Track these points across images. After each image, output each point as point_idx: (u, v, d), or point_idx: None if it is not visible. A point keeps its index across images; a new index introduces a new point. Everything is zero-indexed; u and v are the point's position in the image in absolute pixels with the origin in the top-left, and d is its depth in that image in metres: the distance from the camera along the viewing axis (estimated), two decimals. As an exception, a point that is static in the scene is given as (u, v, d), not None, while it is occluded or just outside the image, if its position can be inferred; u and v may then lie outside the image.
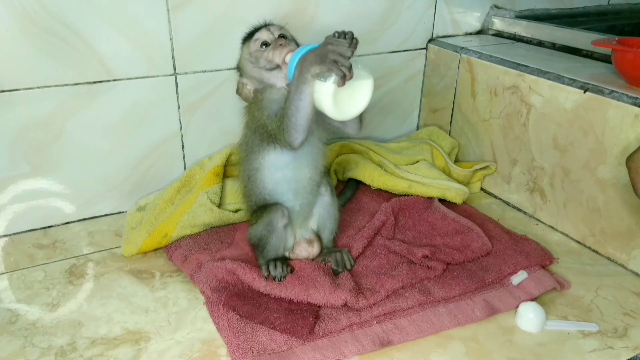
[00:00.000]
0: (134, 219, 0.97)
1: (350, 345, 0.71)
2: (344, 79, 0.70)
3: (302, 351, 0.69)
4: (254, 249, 0.86)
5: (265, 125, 0.80)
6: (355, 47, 0.74)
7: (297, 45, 0.82)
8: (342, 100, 0.73)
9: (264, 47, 0.81)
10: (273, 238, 0.82)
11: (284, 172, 0.83)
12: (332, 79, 0.71)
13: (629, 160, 0.74)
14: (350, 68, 0.71)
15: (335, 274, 0.82)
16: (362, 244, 0.89)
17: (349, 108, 0.75)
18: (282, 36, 0.81)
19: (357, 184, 1.09)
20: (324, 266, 0.83)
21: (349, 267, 0.84)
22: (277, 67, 0.79)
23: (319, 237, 0.88)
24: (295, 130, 0.76)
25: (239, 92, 0.84)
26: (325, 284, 0.78)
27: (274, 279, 0.79)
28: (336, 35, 0.74)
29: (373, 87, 0.75)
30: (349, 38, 0.73)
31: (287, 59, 0.77)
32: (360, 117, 0.81)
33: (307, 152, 0.82)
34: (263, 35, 0.81)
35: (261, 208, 0.84)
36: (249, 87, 0.83)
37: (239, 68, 0.86)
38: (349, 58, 0.71)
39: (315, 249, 0.86)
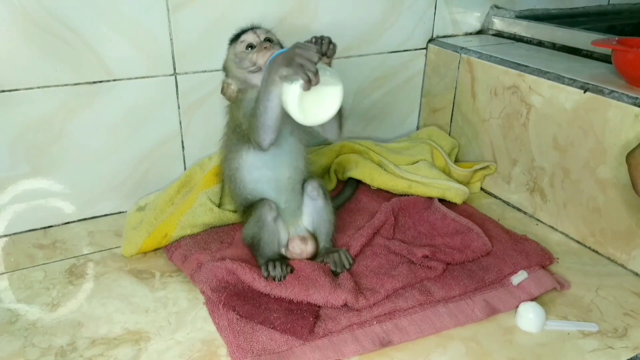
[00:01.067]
0: (134, 219, 0.97)
1: (350, 345, 0.71)
2: (309, 83, 0.70)
3: (302, 351, 0.69)
4: (251, 250, 0.86)
5: (242, 124, 0.81)
6: (333, 52, 0.75)
7: (282, 48, 0.83)
8: (309, 105, 0.73)
9: (249, 49, 0.82)
10: (265, 233, 0.82)
11: (262, 172, 0.84)
12: (299, 83, 0.71)
13: (629, 156, 0.74)
14: (316, 73, 0.71)
15: (335, 274, 0.82)
16: (360, 242, 0.89)
17: (316, 114, 0.74)
18: (268, 39, 0.83)
19: (357, 183, 1.09)
20: (324, 266, 0.83)
21: (347, 266, 0.84)
22: (260, 69, 0.81)
23: (314, 236, 0.88)
24: (263, 131, 0.77)
25: (223, 91, 0.86)
26: (325, 284, 0.78)
27: (274, 279, 0.79)
28: (313, 40, 0.75)
29: (342, 95, 0.74)
30: (325, 43, 0.74)
31: (268, 63, 0.78)
32: (340, 123, 0.81)
33: (286, 152, 0.84)
34: (249, 38, 0.83)
35: (249, 207, 0.85)
36: (233, 87, 0.84)
37: (224, 68, 0.87)
38: (316, 63, 0.71)
39: (309, 247, 0.86)
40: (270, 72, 0.74)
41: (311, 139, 0.88)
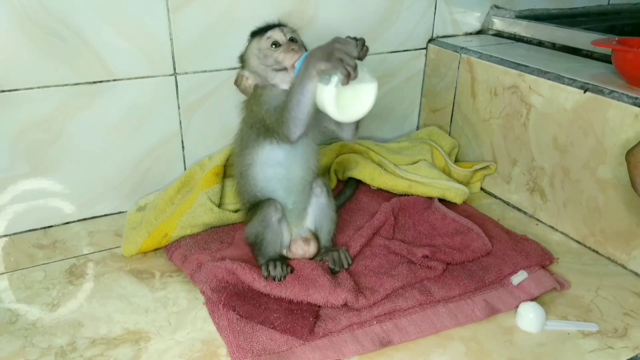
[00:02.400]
0: (134, 219, 0.97)
1: (350, 345, 0.71)
2: (348, 77, 0.70)
3: (302, 351, 0.69)
4: (252, 248, 0.86)
5: (264, 119, 0.80)
6: (365, 54, 0.75)
7: (307, 51, 0.83)
8: (344, 101, 0.73)
9: (274, 46, 0.81)
10: (268, 233, 0.82)
11: (276, 170, 0.84)
12: (337, 78, 0.71)
13: (629, 154, 0.73)
14: (355, 68, 0.71)
15: (333, 272, 0.82)
16: (360, 243, 0.89)
17: (351, 110, 0.74)
18: (292, 39, 0.82)
19: (357, 183, 1.09)
20: (324, 266, 0.83)
21: (346, 266, 0.84)
22: (284, 69, 0.80)
23: (316, 236, 0.88)
24: (294, 124, 0.77)
25: (237, 83, 0.84)
26: (325, 283, 0.78)
27: (274, 279, 0.79)
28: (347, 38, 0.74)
29: (377, 91, 0.74)
30: (360, 45, 0.73)
31: (297, 65, 0.77)
32: (357, 124, 0.81)
33: (300, 151, 0.83)
34: (276, 35, 0.82)
35: (254, 206, 0.85)
36: (250, 81, 0.83)
37: (242, 60, 0.86)
38: (355, 57, 0.71)
39: (312, 248, 0.86)
40: (307, 65, 0.73)
41: (325, 138, 0.87)
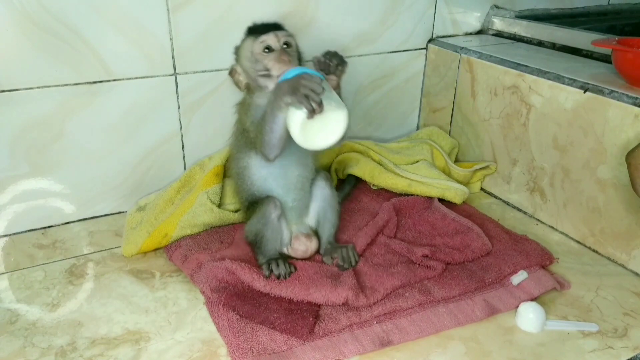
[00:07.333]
0: (134, 219, 0.97)
1: (350, 345, 0.71)
2: (313, 113, 0.72)
3: (302, 351, 0.69)
4: (252, 247, 0.86)
5: (248, 131, 0.82)
6: (342, 72, 0.78)
7: (299, 54, 0.84)
8: (312, 131, 0.74)
9: (267, 51, 0.81)
10: (268, 231, 0.82)
11: (271, 170, 0.84)
12: (303, 111, 0.72)
13: (629, 156, 0.74)
14: (320, 104, 0.71)
15: (341, 269, 0.83)
16: (365, 241, 0.90)
17: (318, 140, 0.75)
18: (286, 44, 0.82)
19: (356, 179, 1.09)
20: (324, 265, 0.83)
21: (353, 263, 0.84)
22: (271, 76, 0.81)
23: (316, 234, 0.89)
24: (269, 147, 0.79)
25: (231, 74, 0.86)
26: (326, 282, 0.78)
27: (278, 277, 0.79)
28: (323, 59, 0.76)
29: (346, 124, 0.75)
30: (333, 65, 0.76)
31: (281, 77, 0.78)
32: None
33: (294, 150, 0.83)
34: (270, 40, 0.81)
35: (253, 203, 0.85)
36: (242, 78, 0.84)
37: (236, 53, 0.86)
38: (320, 94, 0.71)
39: (313, 244, 0.87)
40: (275, 97, 0.75)
41: None
